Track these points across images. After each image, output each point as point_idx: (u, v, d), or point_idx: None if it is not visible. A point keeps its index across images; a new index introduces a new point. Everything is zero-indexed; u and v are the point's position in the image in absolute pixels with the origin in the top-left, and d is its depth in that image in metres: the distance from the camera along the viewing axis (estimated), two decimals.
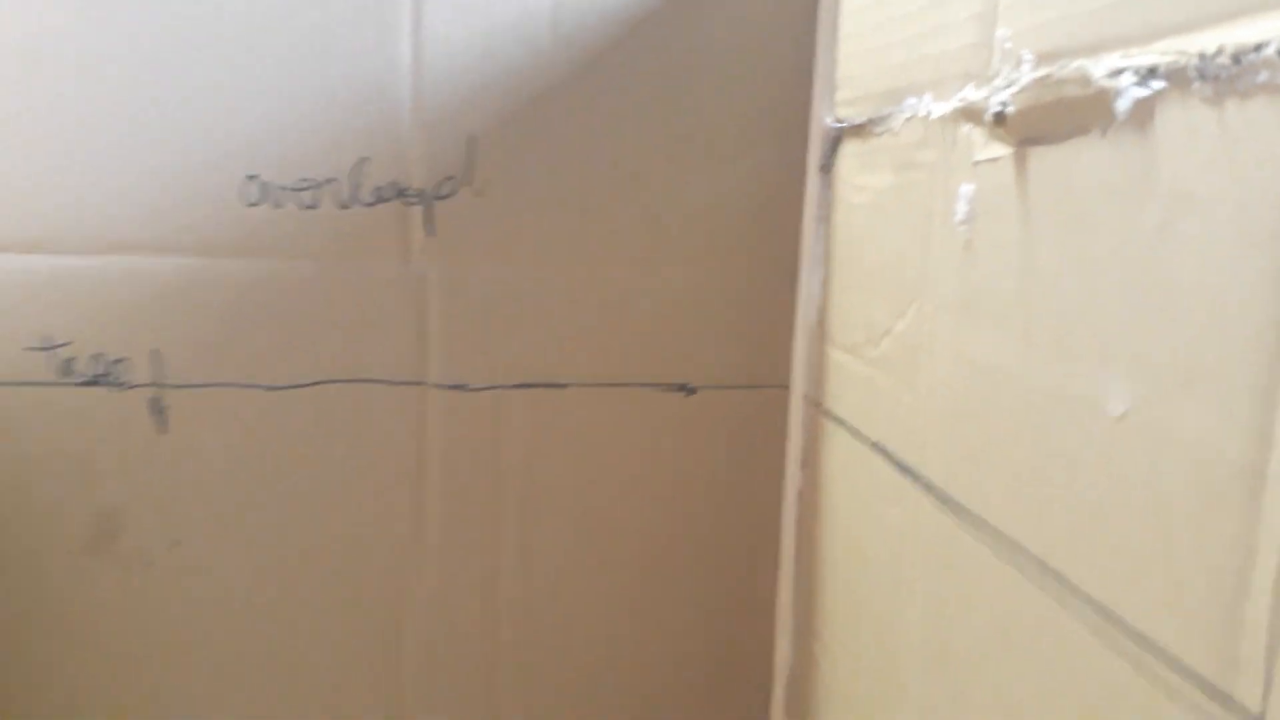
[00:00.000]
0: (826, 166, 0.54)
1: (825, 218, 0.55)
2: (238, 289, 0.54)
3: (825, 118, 0.54)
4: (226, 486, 0.56)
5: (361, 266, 0.55)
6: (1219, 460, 0.24)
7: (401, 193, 0.55)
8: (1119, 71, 0.28)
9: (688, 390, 0.59)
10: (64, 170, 0.52)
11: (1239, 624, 0.23)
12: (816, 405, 0.55)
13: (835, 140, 0.53)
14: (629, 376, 0.58)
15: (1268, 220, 0.22)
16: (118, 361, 0.54)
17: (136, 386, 0.54)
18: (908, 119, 0.43)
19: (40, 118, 0.52)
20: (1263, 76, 0.22)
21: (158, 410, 0.55)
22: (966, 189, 0.37)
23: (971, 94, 0.37)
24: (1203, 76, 0.24)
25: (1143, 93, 0.27)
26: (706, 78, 0.56)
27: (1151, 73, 0.26)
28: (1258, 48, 0.23)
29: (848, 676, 0.51)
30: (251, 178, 0.54)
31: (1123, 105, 0.27)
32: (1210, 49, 0.24)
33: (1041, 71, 0.32)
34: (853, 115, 0.51)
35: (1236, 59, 0.23)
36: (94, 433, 0.54)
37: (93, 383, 0.54)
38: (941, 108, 0.40)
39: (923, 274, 0.41)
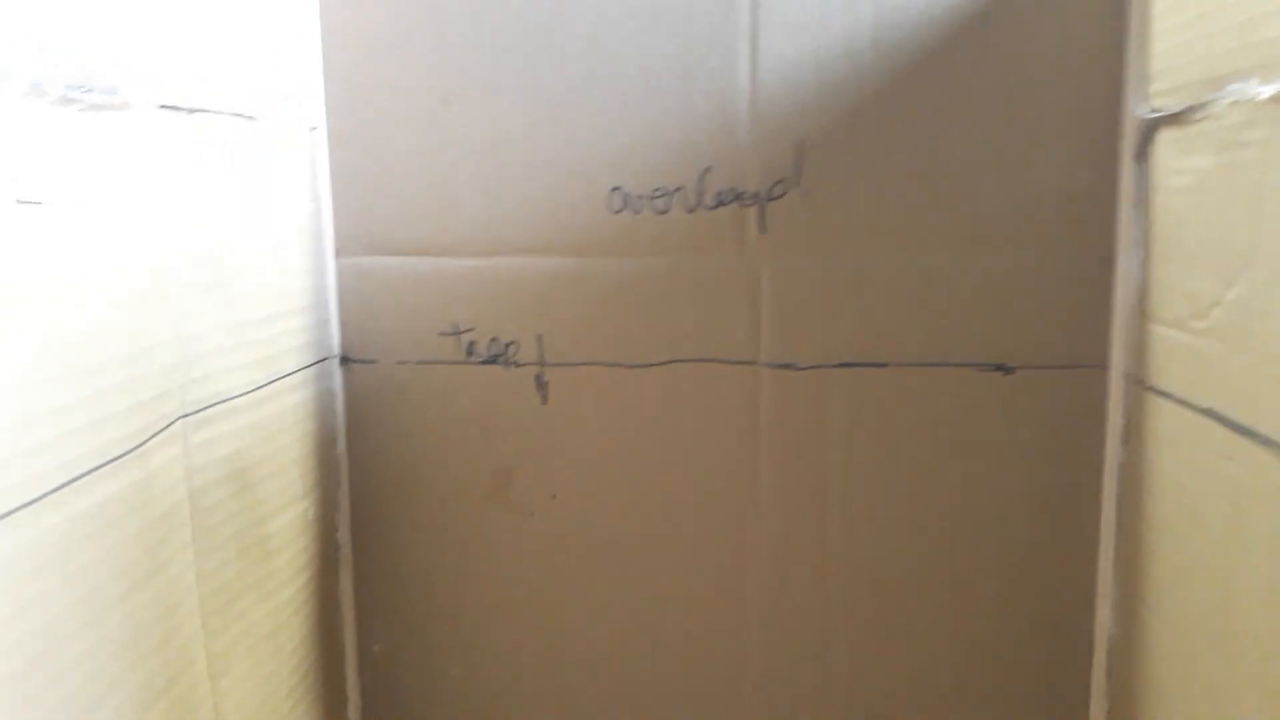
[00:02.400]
0: (1142, 154, 0.57)
1: (1142, 201, 0.57)
2: (604, 283, 0.64)
3: (1138, 109, 0.57)
4: (595, 449, 0.66)
5: (705, 262, 0.63)
6: None
7: (738, 196, 0.63)
8: None
9: (1006, 370, 0.63)
10: (469, 189, 0.64)
11: None
12: (1138, 381, 0.58)
13: (1150, 129, 0.56)
14: (947, 356, 0.63)
15: None
16: (510, 344, 0.65)
17: (525, 365, 0.65)
18: (1232, 103, 0.46)
19: (451, 146, 0.64)
20: None
21: (541, 384, 0.65)
22: None
23: None
24: None
25: None
26: (1018, 77, 0.60)
27: None
28: None
29: (1176, 634, 0.53)
30: (615, 189, 0.63)
31: None
32: None
33: None
34: (1169, 104, 0.53)
35: None
36: (491, 402, 0.66)
37: (490, 361, 0.66)
38: (1269, 90, 0.42)
39: (1253, 244, 0.44)
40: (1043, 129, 0.60)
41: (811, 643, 0.67)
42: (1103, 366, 0.62)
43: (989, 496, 0.64)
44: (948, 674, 0.66)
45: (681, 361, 0.65)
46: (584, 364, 0.65)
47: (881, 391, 0.64)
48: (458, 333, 0.66)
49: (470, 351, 0.66)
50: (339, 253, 0.66)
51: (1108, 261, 0.61)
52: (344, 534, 0.69)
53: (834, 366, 0.64)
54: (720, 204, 0.63)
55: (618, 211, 0.63)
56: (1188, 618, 0.52)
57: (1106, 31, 0.59)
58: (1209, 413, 0.48)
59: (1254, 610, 0.44)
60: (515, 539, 0.67)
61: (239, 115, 0.54)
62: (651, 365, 0.65)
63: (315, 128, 0.64)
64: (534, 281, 0.65)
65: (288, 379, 0.61)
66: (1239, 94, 0.45)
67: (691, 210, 0.63)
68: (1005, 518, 0.64)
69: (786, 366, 0.64)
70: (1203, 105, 0.49)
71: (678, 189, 0.63)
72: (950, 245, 0.62)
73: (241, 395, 0.55)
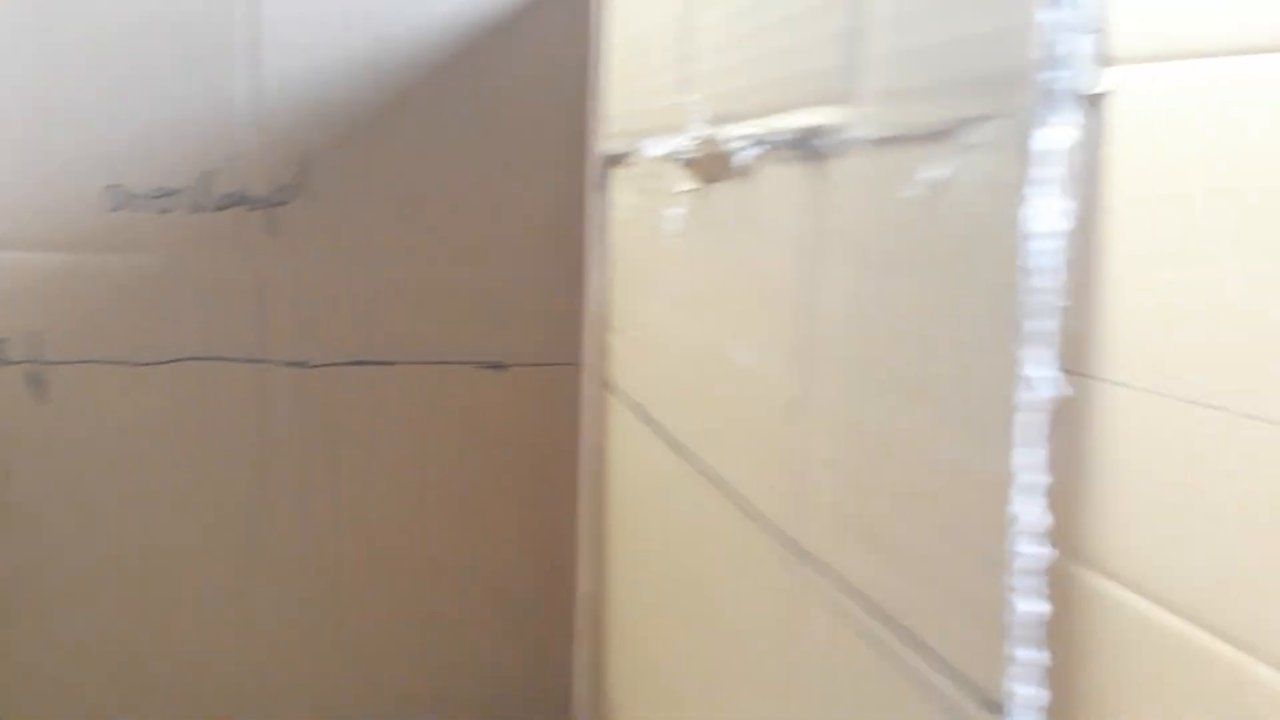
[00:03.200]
0: (600, 187, 0.67)
1: (602, 227, 0.68)
2: (105, 280, 0.64)
3: (599, 147, 0.67)
4: (99, 447, 0.65)
5: (212, 262, 0.65)
6: (783, 393, 0.38)
7: (245, 200, 0.65)
8: (739, 139, 0.41)
9: (500, 367, 0.71)
10: None
11: (805, 489, 0.37)
12: (601, 378, 0.69)
13: (606, 166, 0.66)
14: (449, 355, 0.70)
15: (798, 239, 0.36)
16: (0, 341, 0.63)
17: (17, 363, 0.63)
18: (641, 155, 0.57)
19: None
20: (792, 149, 0.36)
21: (37, 383, 0.64)
22: (673, 212, 0.51)
23: (674, 143, 0.50)
24: (772, 146, 0.38)
25: (750, 153, 0.41)
26: (503, 110, 0.68)
27: (753, 141, 0.40)
28: (786, 132, 0.36)
29: (625, 589, 0.64)
30: (111, 187, 0.63)
31: (741, 161, 0.41)
32: (774, 129, 0.38)
33: (707, 132, 0.45)
34: (615, 147, 0.64)
35: (781, 137, 0.37)
36: None
37: None
38: (659, 149, 0.53)
39: (654, 273, 0.55)
40: (525, 158, 0.69)
41: (331, 632, 0.71)
42: (578, 365, 0.72)
43: (489, 480, 0.73)
44: (460, 645, 0.74)
45: (190, 360, 0.66)
46: (85, 362, 0.64)
47: (390, 388, 0.70)
48: None
49: None
50: None
51: (579, 276, 0.71)
52: None
53: (345, 364, 0.69)
54: (226, 206, 0.65)
55: (115, 209, 0.63)
56: (630, 576, 0.63)
57: (577, 77, 0.69)
58: (635, 407, 0.59)
59: (661, 562, 0.56)
60: (13, 542, 0.65)
61: None
62: (158, 363, 0.66)
63: None
64: (26, 278, 0.63)
65: None
66: (645, 149, 0.56)
67: (196, 211, 0.65)
68: (504, 499, 0.73)
69: (298, 365, 0.68)
70: (631, 153, 0.60)
71: (181, 190, 0.64)
72: (447, 255, 0.69)
73: None
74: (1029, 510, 0.23)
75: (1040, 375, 0.23)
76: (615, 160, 0.64)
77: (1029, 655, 0.23)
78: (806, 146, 0.35)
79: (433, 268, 0.69)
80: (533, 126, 0.69)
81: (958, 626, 0.25)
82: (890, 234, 0.29)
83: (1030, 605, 0.23)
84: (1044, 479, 0.23)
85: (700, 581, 0.48)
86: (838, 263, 0.33)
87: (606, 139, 0.65)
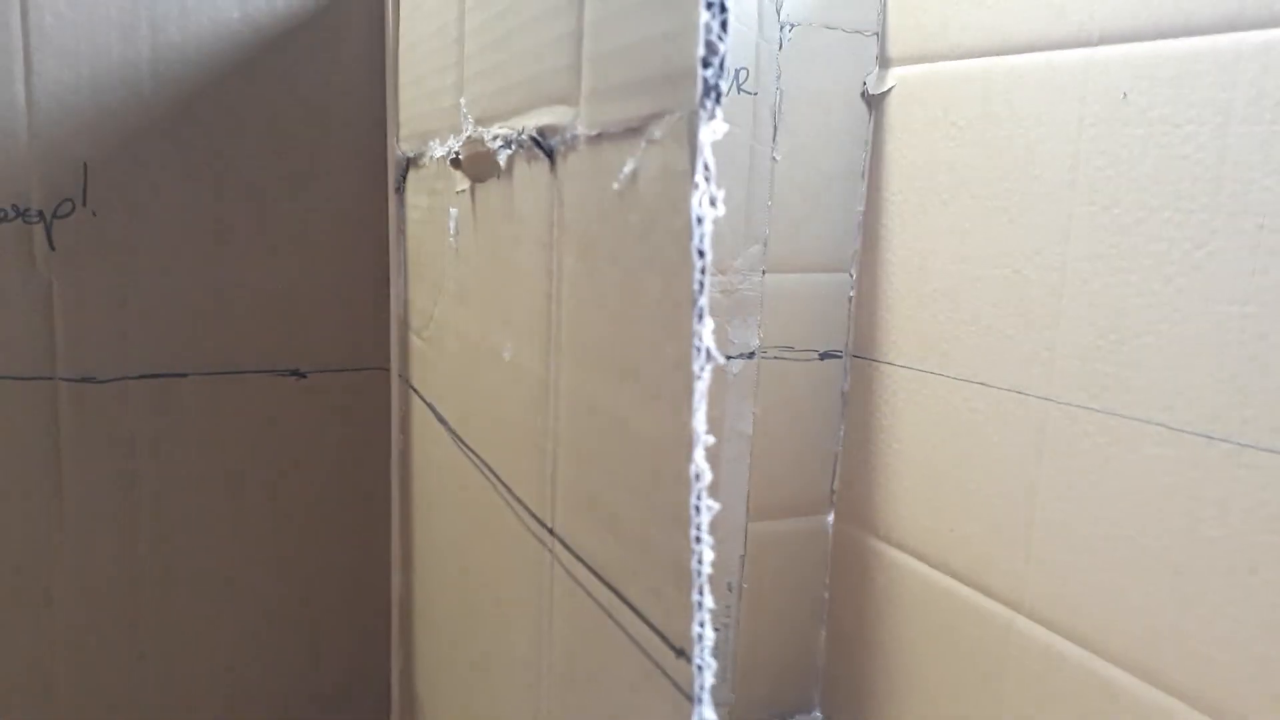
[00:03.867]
0: (399, 188, 0.68)
1: (401, 229, 0.68)
2: None
3: (396, 149, 0.68)
4: None
5: None
6: (535, 382, 0.39)
7: (23, 213, 0.63)
8: (495, 138, 0.43)
9: (299, 374, 0.71)
10: None
11: (550, 471, 0.39)
12: (405, 380, 0.69)
13: (404, 167, 0.67)
14: (244, 365, 0.69)
15: (543, 233, 0.38)
16: None
17: None
18: (430, 156, 0.57)
19: None
20: (533, 147, 0.38)
21: None
22: (454, 211, 0.52)
23: (452, 143, 0.51)
24: (521, 145, 0.40)
25: (507, 152, 0.42)
26: (303, 114, 0.68)
27: (508, 141, 0.42)
28: (528, 130, 0.38)
29: (425, 589, 0.65)
30: None
31: (500, 160, 0.43)
32: (520, 128, 0.40)
33: (472, 133, 0.47)
34: (409, 149, 0.64)
35: (525, 135, 0.39)
36: None
37: None
38: (441, 150, 0.54)
39: (441, 273, 0.56)
40: (323, 161, 0.69)
41: (131, 651, 0.69)
42: (384, 369, 0.72)
43: (296, 490, 0.72)
44: (271, 661, 0.73)
45: None
46: None
47: (185, 400, 0.68)
48: None
49: None
50: None
51: (383, 279, 0.71)
52: None
53: (135, 378, 0.67)
54: (3, 220, 0.63)
55: None
56: (429, 574, 0.63)
57: (376, 80, 0.69)
58: (430, 406, 0.60)
59: (450, 554, 0.56)
60: None
61: None
62: None
63: None
64: None
65: None
66: (433, 150, 0.57)
67: None
68: (313, 508, 0.73)
69: (86, 380, 0.66)
70: (421, 154, 0.61)
71: None
72: (242, 262, 0.68)
73: None
74: (704, 468, 0.25)
75: (710, 346, 0.25)
76: (411, 162, 0.65)
77: (706, 601, 0.25)
78: (544, 145, 0.37)
79: (226, 275, 0.68)
80: (331, 130, 0.69)
81: (656, 583, 0.27)
82: (600, 224, 0.31)
83: (709, 554, 0.25)
84: (711, 440, 0.25)
85: (476, 570, 0.49)
86: (569, 253, 0.35)
87: (403, 141, 0.66)
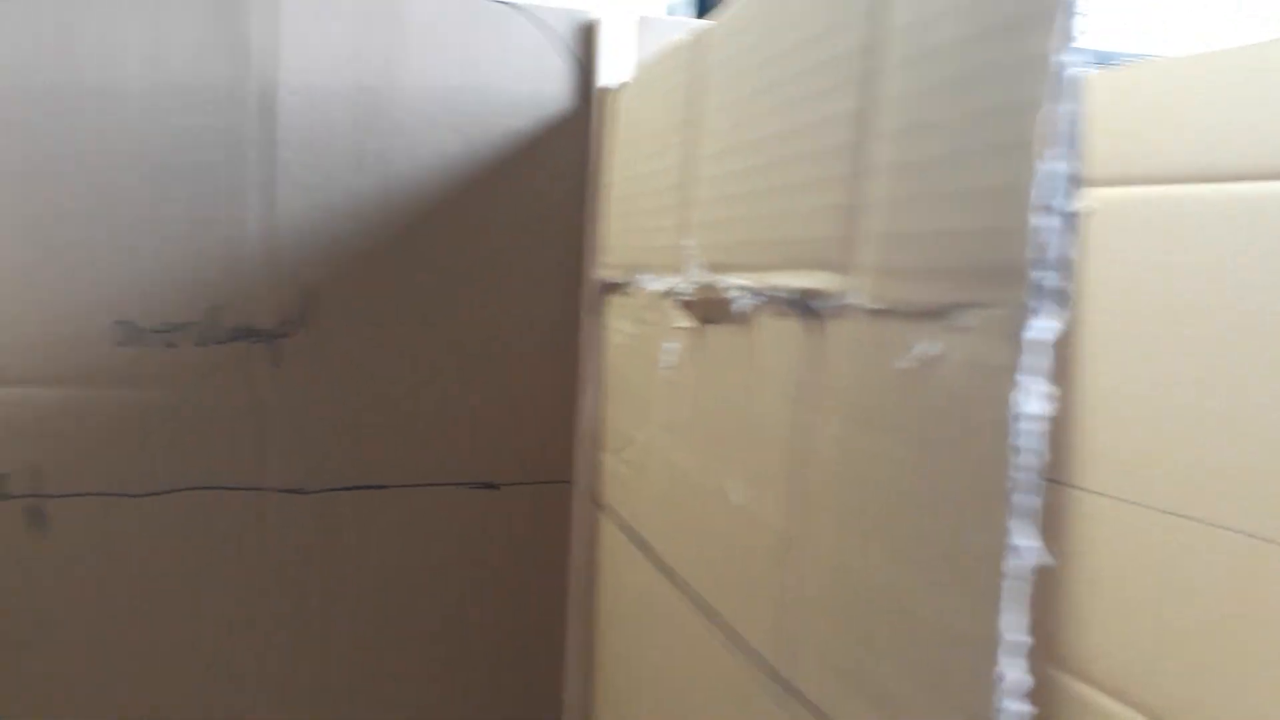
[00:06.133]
0: (595, 310, 0.70)
1: (596, 350, 0.70)
2: (109, 413, 0.65)
3: (595, 274, 0.70)
4: (97, 578, 0.66)
5: (215, 392, 0.67)
6: (773, 532, 0.40)
7: (251, 333, 0.67)
8: (737, 288, 0.44)
9: (493, 487, 0.73)
10: None
11: (793, 626, 0.39)
12: (592, 497, 0.70)
13: (602, 291, 0.69)
14: (443, 477, 0.71)
15: (792, 389, 0.39)
16: (1, 476, 0.64)
17: (17, 497, 0.64)
18: (641, 288, 0.59)
19: None
20: (789, 306, 0.39)
21: (36, 516, 0.64)
22: (670, 345, 0.53)
23: (672, 281, 0.53)
24: (770, 300, 0.41)
25: (747, 303, 0.43)
26: (505, 237, 0.71)
27: (751, 293, 0.43)
28: (784, 290, 0.39)
29: (614, 714, 0.65)
30: (120, 323, 0.65)
31: (739, 309, 0.44)
32: (773, 285, 0.41)
33: (705, 278, 0.48)
34: (612, 276, 0.67)
35: (779, 293, 0.40)
36: None
37: None
38: (657, 286, 0.56)
39: (649, 401, 0.57)
40: (522, 285, 0.72)
41: None
42: (569, 483, 0.74)
43: (479, 599, 0.74)
44: None
45: (189, 489, 0.67)
46: (87, 494, 0.65)
47: (385, 511, 0.71)
48: None
49: None
50: None
51: (572, 396, 0.73)
52: None
53: (340, 490, 0.70)
54: (232, 339, 0.67)
55: (122, 344, 0.65)
56: (620, 699, 0.64)
57: (574, 209, 0.72)
58: (625, 527, 0.61)
59: (652, 681, 0.57)
60: (6, 673, 0.65)
61: None
62: (158, 494, 0.67)
63: None
64: (30, 412, 0.64)
65: None
66: (644, 283, 0.59)
67: (202, 345, 0.66)
68: (496, 615, 0.74)
69: (295, 491, 0.69)
70: (629, 283, 0.63)
71: (188, 324, 0.66)
72: (443, 381, 0.71)
73: None
74: (1014, 670, 0.25)
75: (1026, 545, 0.25)
76: (611, 288, 0.67)
77: None
78: (803, 305, 0.38)
79: (429, 392, 0.71)
80: (530, 255, 0.72)
81: None
82: (882, 396, 0.31)
83: None
84: (1027, 641, 0.25)
85: (687, 707, 0.49)
86: (831, 415, 0.35)
87: (604, 268, 0.68)
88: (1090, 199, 0.82)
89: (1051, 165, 0.25)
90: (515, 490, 0.73)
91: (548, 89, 0.71)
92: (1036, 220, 0.25)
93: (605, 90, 0.70)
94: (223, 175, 0.65)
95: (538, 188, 0.72)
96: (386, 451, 0.70)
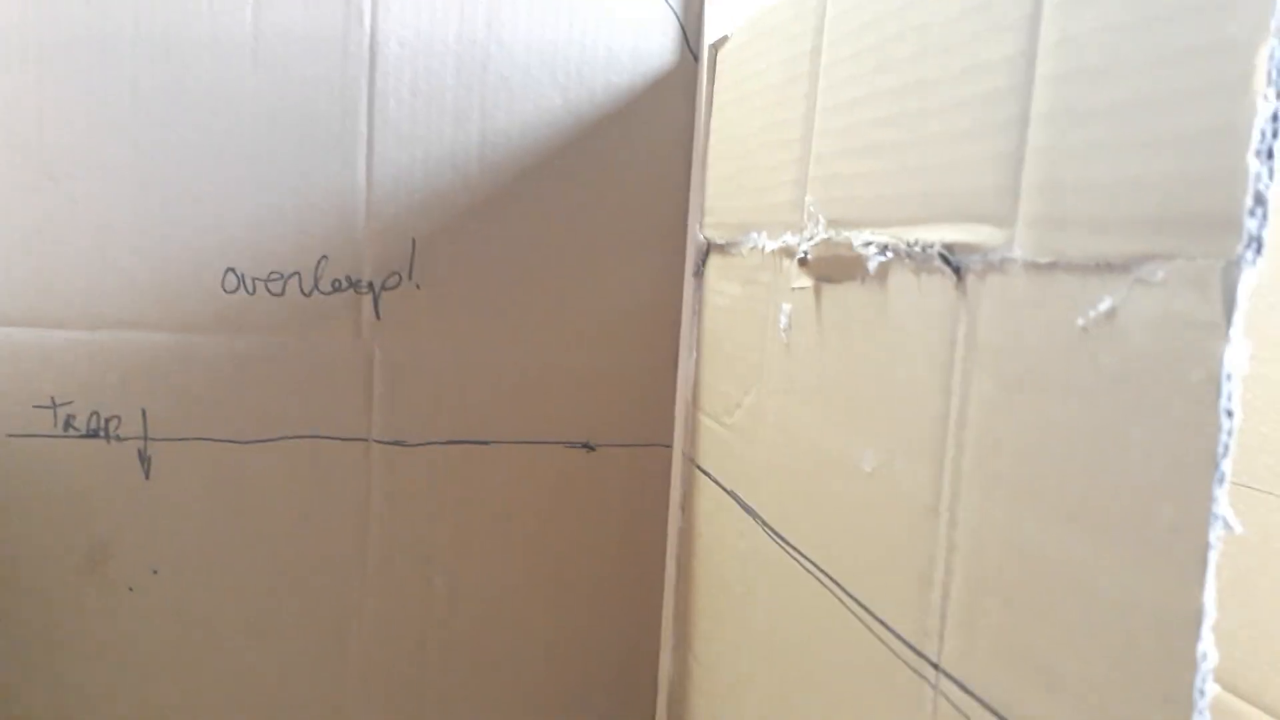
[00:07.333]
0: (698, 273, 0.69)
1: (697, 313, 0.69)
2: (216, 359, 0.66)
3: (698, 234, 0.69)
4: (200, 523, 0.67)
5: (319, 342, 0.67)
6: (914, 500, 0.38)
7: (354, 284, 0.67)
8: (868, 244, 0.42)
9: (589, 448, 0.72)
10: (74, 263, 0.63)
11: (940, 602, 0.37)
12: (691, 460, 0.69)
13: (705, 253, 0.68)
14: (541, 435, 0.71)
15: (938, 350, 0.37)
16: (111, 419, 0.65)
17: (127, 439, 0.65)
18: (751, 247, 0.58)
19: (56, 221, 0.63)
20: (936, 261, 0.37)
21: (144, 459, 0.65)
22: (786, 306, 0.52)
23: (789, 239, 0.51)
24: (910, 256, 0.39)
25: (881, 259, 0.41)
26: (604, 199, 0.70)
27: (885, 248, 0.41)
28: (930, 244, 0.37)
29: (712, 678, 0.64)
30: (230, 270, 0.65)
31: (870, 266, 0.42)
32: (913, 239, 0.39)
33: (829, 234, 0.46)
34: (716, 236, 0.65)
35: (922, 248, 0.38)
36: (89, 476, 0.65)
37: (90, 435, 0.65)
38: (771, 244, 0.54)
39: (760, 364, 0.56)
40: (623, 245, 0.71)
41: (414, 706, 0.72)
42: (667, 446, 0.73)
43: (576, 557, 0.73)
44: (537, 714, 0.74)
45: (293, 438, 0.68)
46: (192, 439, 0.66)
47: (486, 466, 0.71)
48: (54, 406, 0.64)
49: (68, 425, 0.64)
50: None
51: (672, 359, 0.72)
52: None
53: (443, 443, 0.70)
54: (336, 290, 0.67)
55: (232, 291, 0.65)
56: (720, 665, 0.63)
57: (677, 167, 0.71)
58: (730, 493, 0.60)
59: (759, 659, 0.55)
60: (113, 615, 0.66)
61: None
62: (263, 441, 0.67)
63: None
64: (140, 356, 0.65)
65: None
66: (754, 242, 0.57)
67: (307, 294, 0.67)
68: (590, 576, 0.73)
69: (397, 443, 0.69)
70: (736, 243, 0.61)
71: (294, 274, 0.66)
72: (544, 340, 0.70)
73: None
74: (1212, 649, 0.23)
75: (1228, 515, 0.23)
76: (716, 248, 0.65)
77: None
78: (951, 260, 0.36)
79: (530, 350, 0.70)
80: (633, 215, 0.70)
81: None
82: (1052, 356, 0.29)
83: None
84: (1216, 616, 0.23)
85: (802, 673, 0.48)
86: (986, 378, 0.33)
87: (708, 228, 0.67)
88: None
89: (1273, 105, 0.23)
90: (613, 451, 0.72)
91: (651, 43, 0.69)
92: (1254, 165, 0.23)
93: (713, 43, 0.68)
94: (333, 126, 0.65)
95: (640, 145, 0.70)
96: (488, 407, 0.70)
